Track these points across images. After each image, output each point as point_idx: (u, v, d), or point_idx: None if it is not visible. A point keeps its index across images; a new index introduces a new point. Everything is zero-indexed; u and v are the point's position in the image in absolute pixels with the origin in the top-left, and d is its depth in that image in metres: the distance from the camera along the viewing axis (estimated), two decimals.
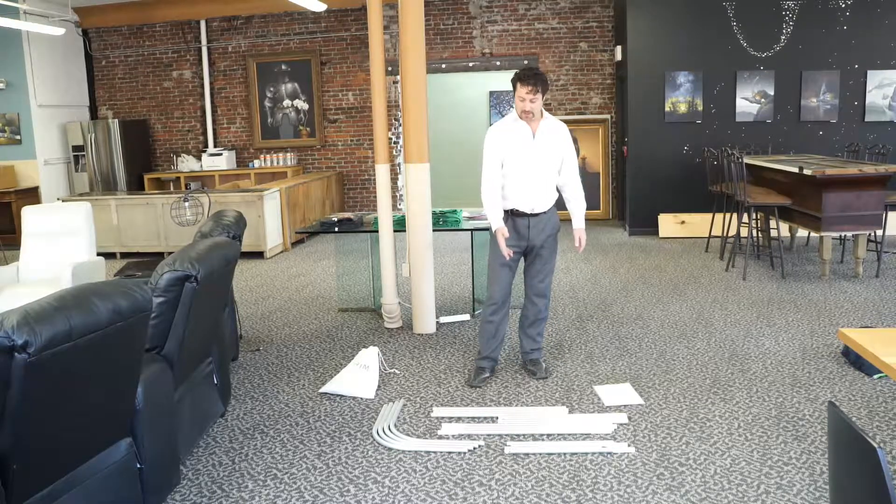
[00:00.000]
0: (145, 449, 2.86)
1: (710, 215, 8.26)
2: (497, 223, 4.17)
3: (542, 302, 4.41)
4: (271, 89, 11.19)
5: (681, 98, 8.98)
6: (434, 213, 5.67)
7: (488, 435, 3.65)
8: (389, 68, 9.86)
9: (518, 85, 4.09)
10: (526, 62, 10.30)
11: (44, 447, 2.36)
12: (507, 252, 4.14)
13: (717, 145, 8.40)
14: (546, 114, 4.24)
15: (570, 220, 4.39)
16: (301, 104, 11.14)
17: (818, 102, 8.77)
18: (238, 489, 3.24)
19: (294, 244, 9.39)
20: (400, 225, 5.64)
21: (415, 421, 3.88)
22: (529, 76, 4.07)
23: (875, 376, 4.19)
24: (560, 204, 4.34)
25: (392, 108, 10.36)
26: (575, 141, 10.14)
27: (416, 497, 3.11)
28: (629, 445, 3.49)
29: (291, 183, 9.62)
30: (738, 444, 3.48)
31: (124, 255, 8.97)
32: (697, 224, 8.88)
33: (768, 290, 6.29)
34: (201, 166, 11.04)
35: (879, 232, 6.63)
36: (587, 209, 10.60)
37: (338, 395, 4.27)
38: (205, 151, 11.18)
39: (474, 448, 3.52)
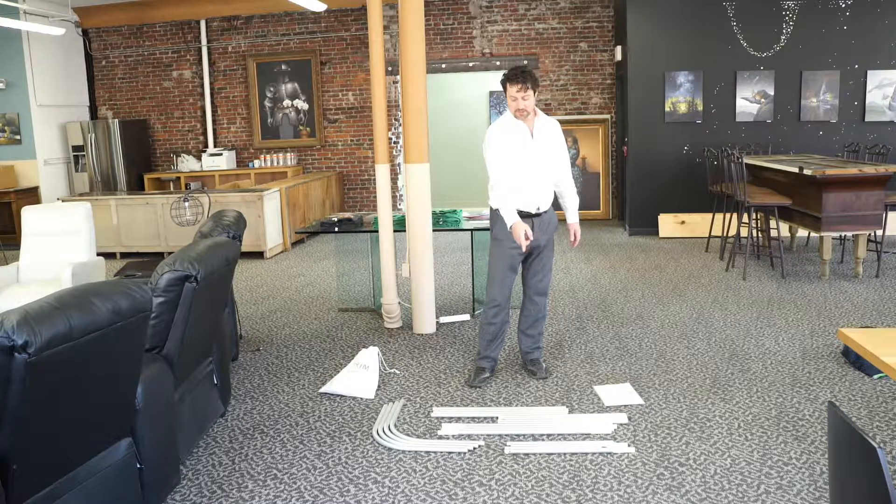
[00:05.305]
0: (145, 449, 2.86)
1: (710, 215, 8.27)
2: (515, 217, 4.08)
3: (543, 300, 4.41)
4: (271, 89, 11.19)
5: (681, 98, 8.98)
6: (434, 213, 5.67)
7: (488, 435, 3.65)
8: (389, 68, 9.87)
9: (508, 85, 4.10)
10: (526, 62, 10.30)
11: (44, 447, 2.36)
12: (524, 244, 4.05)
13: (717, 145, 8.40)
14: (539, 111, 4.25)
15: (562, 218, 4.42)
16: (301, 104, 11.14)
17: (818, 102, 8.77)
18: (238, 489, 3.24)
19: (294, 244, 9.39)
20: (400, 225, 5.65)
21: (415, 421, 3.88)
22: (518, 74, 4.07)
23: (875, 376, 4.20)
24: (553, 202, 4.35)
25: (392, 108, 10.36)
26: (575, 141, 10.31)
27: (416, 497, 3.11)
28: (629, 445, 3.49)
29: (291, 183, 9.62)
30: (738, 444, 3.48)
31: (124, 255, 8.97)
32: (697, 224, 8.88)
33: (768, 290, 6.29)
34: (201, 166, 11.03)
35: (879, 232, 6.63)
36: (587, 209, 10.53)
37: (338, 395, 4.27)
38: (205, 151, 11.18)
39: (474, 448, 3.52)
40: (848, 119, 8.75)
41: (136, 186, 11.02)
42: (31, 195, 10.38)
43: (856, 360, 4.37)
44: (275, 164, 11.03)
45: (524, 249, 4.11)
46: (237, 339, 5.12)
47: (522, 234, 4.03)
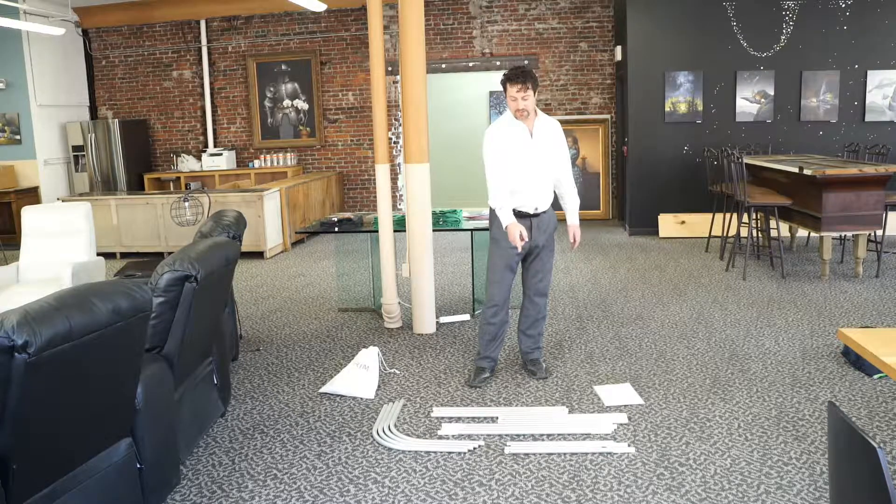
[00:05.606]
0: (145, 449, 2.86)
1: (710, 215, 8.27)
2: (510, 219, 4.10)
3: (543, 301, 4.41)
4: (271, 89, 11.19)
5: (681, 98, 8.98)
6: (434, 213, 5.67)
7: (488, 435, 3.65)
8: (389, 68, 9.86)
9: (508, 85, 4.10)
10: (526, 62, 10.31)
11: (44, 447, 2.36)
12: (519, 244, 4.06)
13: (717, 145, 8.40)
14: (539, 112, 4.25)
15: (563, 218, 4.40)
16: (301, 104, 11.14)
17: (818, 102, 8.77)
18: (238, 489, 3.24)
19: (294, 244, 9.39)
20: (400, 225, 5.65)
21: (415, 421, 3.88)
22: (518, 75, 4.08)
23: (875, 376, 4.19)
24: (553, 202, 4.35)
25: (392, 108, 10.36)
26: (575, 141, 10.32)
27: (416, 497, 3.11)
28: (629, 445, 3.49)
29: (291, 183, 9.62)
30: (738, 444, 3.48)
31: (124, 255, 8.97)
32: (697, 224, 8.88)
33: (768, 290, 6.29)
34: (201, 166, 11.03)
35: (879, 232, 6.63)
36: (587, 209, 10.52)
37: (338, 395, 4.27)
38: (205, 151, 11.18)
39: (474, 448, 3.52)
40: (848, 119, 8.75)
41: (136, 186, 11.02)
42: (31, 195, 10.38)
43: (856, 360, 4.37)
44: (275, 164, 11.03)
45: (519, 250, 4.13)
46: (237, 339, 5.12)
47: (517, 234, 4.06)
